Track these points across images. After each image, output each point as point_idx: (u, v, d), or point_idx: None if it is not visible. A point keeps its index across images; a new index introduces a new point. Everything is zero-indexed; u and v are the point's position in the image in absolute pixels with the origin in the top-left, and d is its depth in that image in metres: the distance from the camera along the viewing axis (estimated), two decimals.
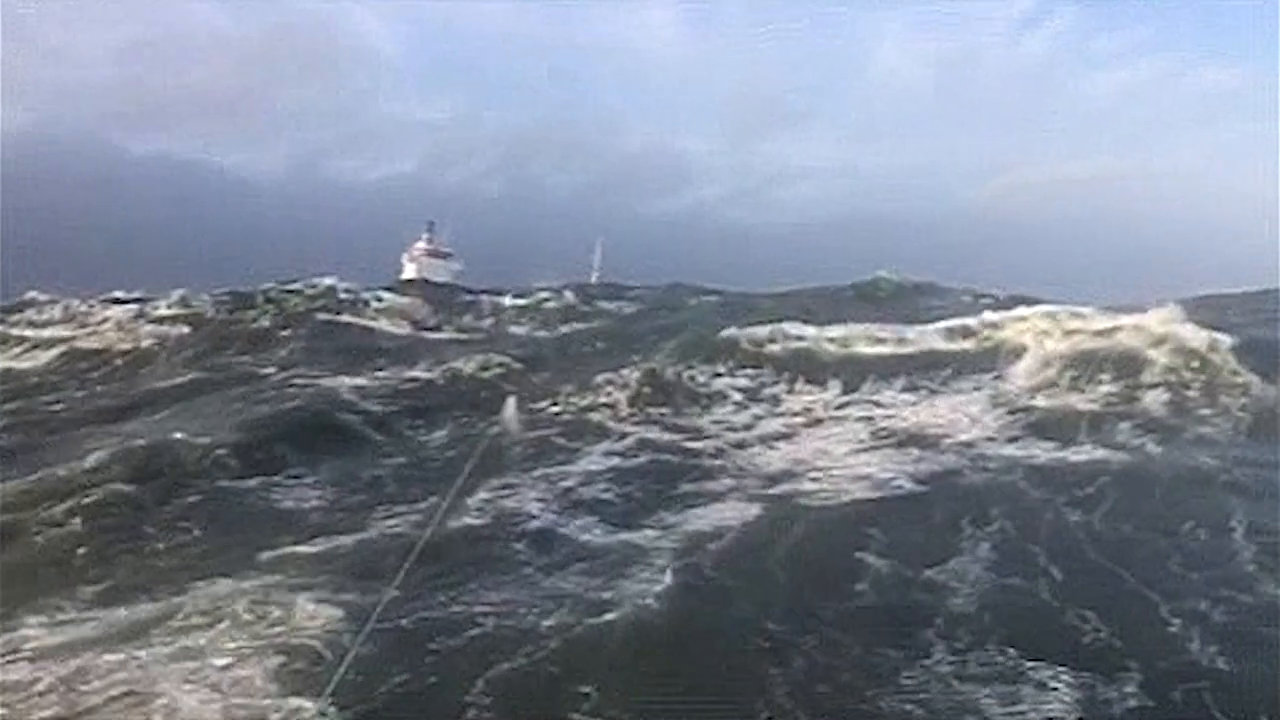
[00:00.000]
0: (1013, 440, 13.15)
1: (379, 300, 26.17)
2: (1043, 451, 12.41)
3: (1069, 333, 16.37)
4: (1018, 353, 16.15)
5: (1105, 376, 14.76)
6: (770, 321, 19.16)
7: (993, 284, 29.87)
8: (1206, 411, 13.55)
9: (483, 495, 11.04)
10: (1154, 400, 14.02)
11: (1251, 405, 13.66)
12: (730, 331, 18.12)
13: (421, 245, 72.66)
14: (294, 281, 28.01)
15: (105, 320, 25.46)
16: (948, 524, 9.79)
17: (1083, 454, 12.11)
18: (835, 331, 17.87)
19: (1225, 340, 15.17)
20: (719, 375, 16.35)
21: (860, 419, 14.41)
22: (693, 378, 16.18)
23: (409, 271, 71.89)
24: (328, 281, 28.01)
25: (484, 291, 28.40)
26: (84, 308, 26.49)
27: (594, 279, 64.01)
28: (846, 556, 8.86)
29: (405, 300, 26.82)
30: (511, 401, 16.23)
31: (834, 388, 15.67)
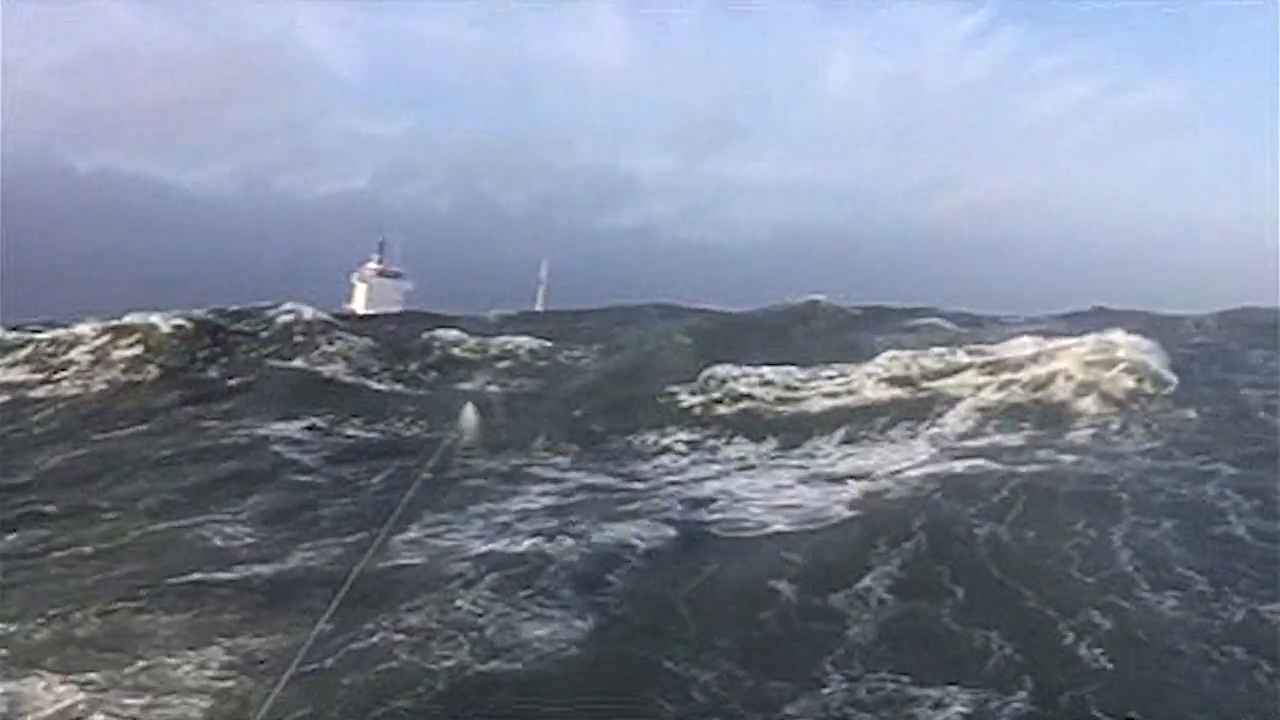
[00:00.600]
0: (936, 462, 13.56)
1: (330, 344, 25.96)
2: (962, 467, 12.79)
3: (1004, 385, 16.87)
4: (952, 403, 16.65)
5: (1030, 422, 15.34)
6: (722, 362, 19.49)
7: (937, 298, 30.83)
8: (1117, 438, 14.09)
9: (414, 532, 11.21)
10: (1076, 433, 14.59)
11: (1159, 429, 14.28)
12: (674, 390, 18.47)
13: (372, 266, 72.67)
14: (247, 317, 27.86)
15: (65, 367, 25.12)
16: (863, 548, 10.06)
17: (999, 466, 12.54)
18: (779, 386, 18.23)
19: (1151, 387, 15.74)
20: (665, 435, 16.65)
21: (795, 465, 14.71)
22: (643, 441, 16.44)
23: (359, 293, 71.99)
24: (285, 317, 27.72)
25: (436, 322, 28.14)
26: (49, 349, 26.18)
27: (539, 301, 64.50)
28: (755, 586, 9.10)
29: (357, 341, 26.58)
30: (470, 407, 16.44)
31: (772, 441, 16.05)
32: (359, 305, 72.94)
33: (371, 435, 17.96)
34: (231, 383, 22.37)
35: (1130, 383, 15.82)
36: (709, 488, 13.21)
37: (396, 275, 74.80)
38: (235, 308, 28.30)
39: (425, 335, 26.10)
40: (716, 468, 14.84)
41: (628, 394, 19.37)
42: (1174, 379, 16.05)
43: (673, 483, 13.77)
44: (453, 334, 25.82)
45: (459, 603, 8.68)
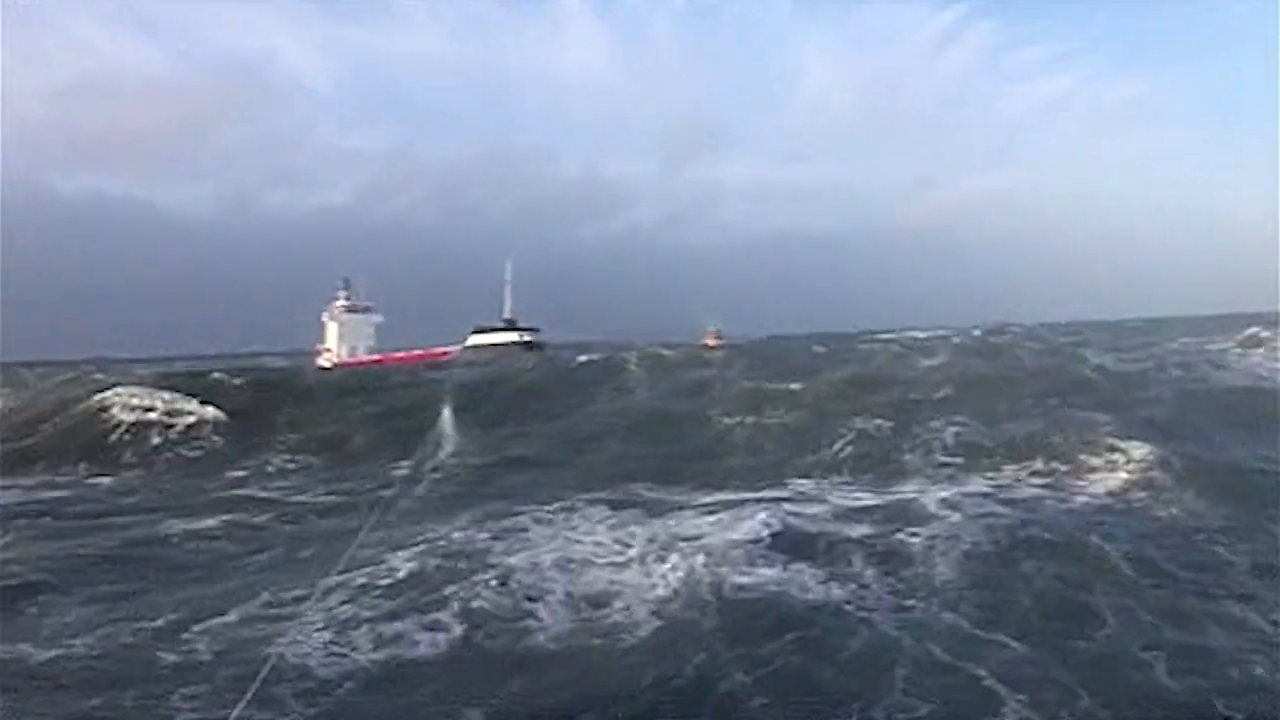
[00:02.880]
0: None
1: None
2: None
3: None
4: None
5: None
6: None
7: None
8: None
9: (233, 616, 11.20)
10: None
11: None
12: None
13: (340, 302, 73.78)
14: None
15: None
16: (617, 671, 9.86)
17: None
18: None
19: None
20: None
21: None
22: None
23: (331, 332, 73.01)
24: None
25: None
26: None
27: (507, 303, 65.42)
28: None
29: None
30: (447, 411, 15.79)
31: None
32: (332, 343, 73.84)
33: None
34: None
35: None
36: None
37: (366, 310, 75.67)
38: None
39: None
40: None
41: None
42: None
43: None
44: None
45: None
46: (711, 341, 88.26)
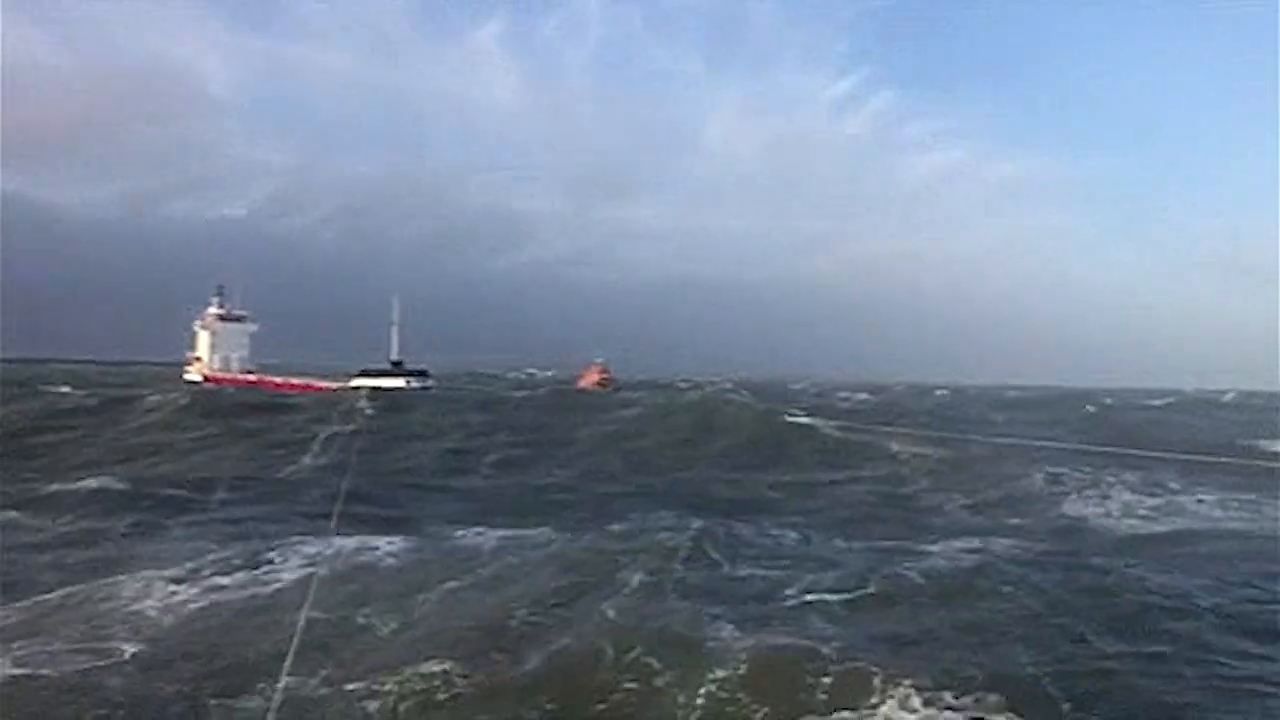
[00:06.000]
0: None
1: None
2: None
3: None
4: None
5: None
6: None
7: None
8: None
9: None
10: None
11: None
12: None
13: (213, 310, 70.29)
14: None
15: None
16: None
17: None
18: None
19: None
20: None
21: None
22: None
23: (202, 341, 69.60)
24: None
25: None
26: None
27: (394, 344, 63.43)
28: None
29: None
30: None
31: None
32: (203, 353, 69.82)
33: None
34: None
35: None
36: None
37: (240, 319, 71.78)
38: None
39: None
40: None
41: None
42: None
43: None
44: None
45: None
46: (595, 377, 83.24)
